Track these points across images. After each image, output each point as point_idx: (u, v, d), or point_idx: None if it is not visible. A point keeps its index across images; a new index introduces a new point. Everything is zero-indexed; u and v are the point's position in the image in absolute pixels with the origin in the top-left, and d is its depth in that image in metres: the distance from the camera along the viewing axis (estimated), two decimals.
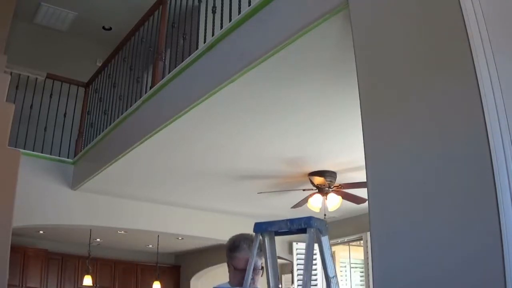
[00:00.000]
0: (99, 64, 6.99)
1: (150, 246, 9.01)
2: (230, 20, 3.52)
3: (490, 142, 1.57)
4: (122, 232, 7.50)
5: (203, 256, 9.60)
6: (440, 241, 1.68)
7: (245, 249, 2.48)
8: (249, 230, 2.26)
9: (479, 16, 1.71)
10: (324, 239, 2.04)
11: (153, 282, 8.34)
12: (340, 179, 5.28)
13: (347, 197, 5.39)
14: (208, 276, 9.82)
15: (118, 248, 9.29)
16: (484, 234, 1.55)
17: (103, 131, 5.33)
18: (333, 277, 2.02)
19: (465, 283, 1.57)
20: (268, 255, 2.18)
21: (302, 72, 3.23)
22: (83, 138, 6.02)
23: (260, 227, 2.16)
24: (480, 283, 1.53)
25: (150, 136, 4.32)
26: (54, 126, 5.90)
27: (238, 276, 2.43)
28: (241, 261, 2.42)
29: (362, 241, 6.89)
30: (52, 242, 8.45)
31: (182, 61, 4.00)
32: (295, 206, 5.71)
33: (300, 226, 2.05)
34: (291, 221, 2.11)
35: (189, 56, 3.93)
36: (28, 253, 8.00)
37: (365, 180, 2.03)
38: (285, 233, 2.19)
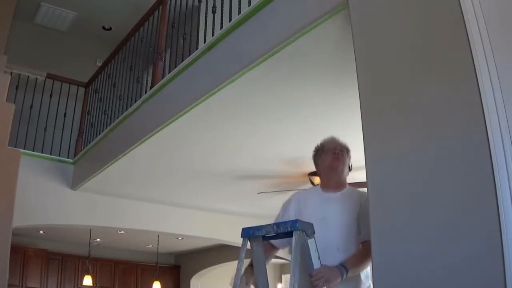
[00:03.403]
0: (99, 64, 6.99)
1: (150, 246, 9.01)
2: (230, 20, 3.52)
3: (490, 142, 1.57)
4: (122, 232, 7.51)
5: (203, 256, 9.61)
6: (440, 241, 1.68)
7: (330, 140, 2.47)
8: None
9: (479, 16, 1.71)
10: (310, 242, 2.05)
11: (153, 282, 8.35)
12: None
13: None
14: (208, 276, 9.83)
15: (118, 248, 9.29)
16: (484, 234, 1.54)
17: (103, 131, 5.33)
18: None
19: (465, 282, 1.57)
20: (255, 259, 2.19)
21: (302, 72, 3.23)
22: (83, 138, 6.02)
23: (247, 232, 2.17)
24: (480, 283, 1.53)
25: (150, 136, 4.32)
26: (54, 126, 5.90)
27: (327, 173, 2.41)
28: (327, 156, 2.40)
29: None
30: (52, 242, 8.45)
31: (182, 61, 4.00)
32: None
33: (286, 230, 2.06)
34: (277, 225, 2.12)
35: (189, 56, 3.93)
36: (28, 253, 8.01)
37: (365, 180, 2.03)
38: (273, 237, 2.19)
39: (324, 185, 2.43)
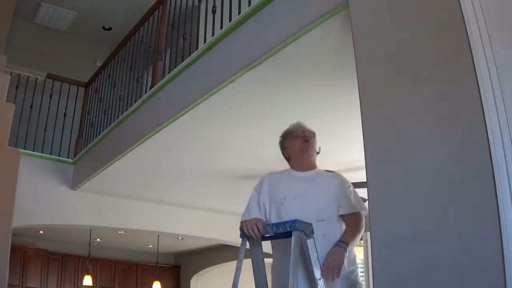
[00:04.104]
0: (99, 64, 6.99)
1: (150, 246, 9.01)
2: (230, 20, 3.52)
3: (490, 142, 1.57)
4: (122, 232, 7.51)
5: (203, 256, 9.61)
6: (440, 241, 1.68)
7: (298, 125, 2.56)
8: None
9: (479, 16, 1.71)
10: (310, 242, 2.05)
11: (153, 282, 8.35)
12: None
13: None
14: (208, 276, 9.82)
15: (118, 248, 9.29)
16: (484, 234, 1.54)
17: (103, 131, 5.33)
18: (319, 279, 2.03)
19: (465, 283, 1.57)
20: (253, 259, 2.19)
21: (302, 72, 3.23)
22: (83, 138, 6.02)
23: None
24: (480, 284, 1.53)
25: (150, 136, 4.32)
26: (54, 126, 5.90)
27: (298, 156, 2.49)
28: (297, 140, 2.49)
29: (362, 241, 6.89)
30: (52, 242, 8.45)
31: (182, 61, 4.00)
32: None
33: (285, 230, 2.06)
34: (276, 225, 2.13)
35: (189, 56, 3.93)
36: (28, 253, 8.00)
37: (365, 180, 2.03)
38: (272, 238, 2.20)
39: (295, 167, 2.52)
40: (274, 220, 2.34)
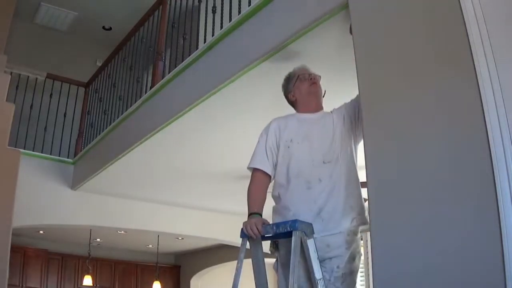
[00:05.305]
0: (99, 64, 6.99)
1: (150, 246, 9.01)
2: (230, 20, 3.52)
3: (490, 142, 1.57)
4: (122, 232, 7.51)
5: (203, 256, 9.61)
6: (440, 241, 1.68)
7: (303, 67, 2.53)
8: None
9: (479, 16, 1.71)
10: (310, 242, 2.05)
11: (153, 282, 8.35)
12: None
13: None
14: (208, 276, 9.83)
15: (118, 248, 9.29)
16: (484, 234, 1.54)
17: (103, 131, 5.33)
18: (320, 279, 2.03)
19: (465, 283, 1.57)
20: (254, 260, 2.19)
21: None
22: (83, 138, 6.02)
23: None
24: (480, 283, 1.53)
25: (150, 136, 4.32)
26: (54, 126, 5.90)
27: (306, 98, 2.46)
28: (303, 83, 2.46)
29: (362, 241, 6.88)
30: (52, 242, 8.45)
31: (182, 61, 4.00)
32: None
33: (285, 230, 2.06)
34: (277, 225, 2.12)
35: (189, 56, 3.93)
36: (28, 253, 8.01)
37: (365, 180, 2.03)
38: (272, 238, 2.20)
39: (302, 110, 2.48)
40: (281, 162, 2.34)
